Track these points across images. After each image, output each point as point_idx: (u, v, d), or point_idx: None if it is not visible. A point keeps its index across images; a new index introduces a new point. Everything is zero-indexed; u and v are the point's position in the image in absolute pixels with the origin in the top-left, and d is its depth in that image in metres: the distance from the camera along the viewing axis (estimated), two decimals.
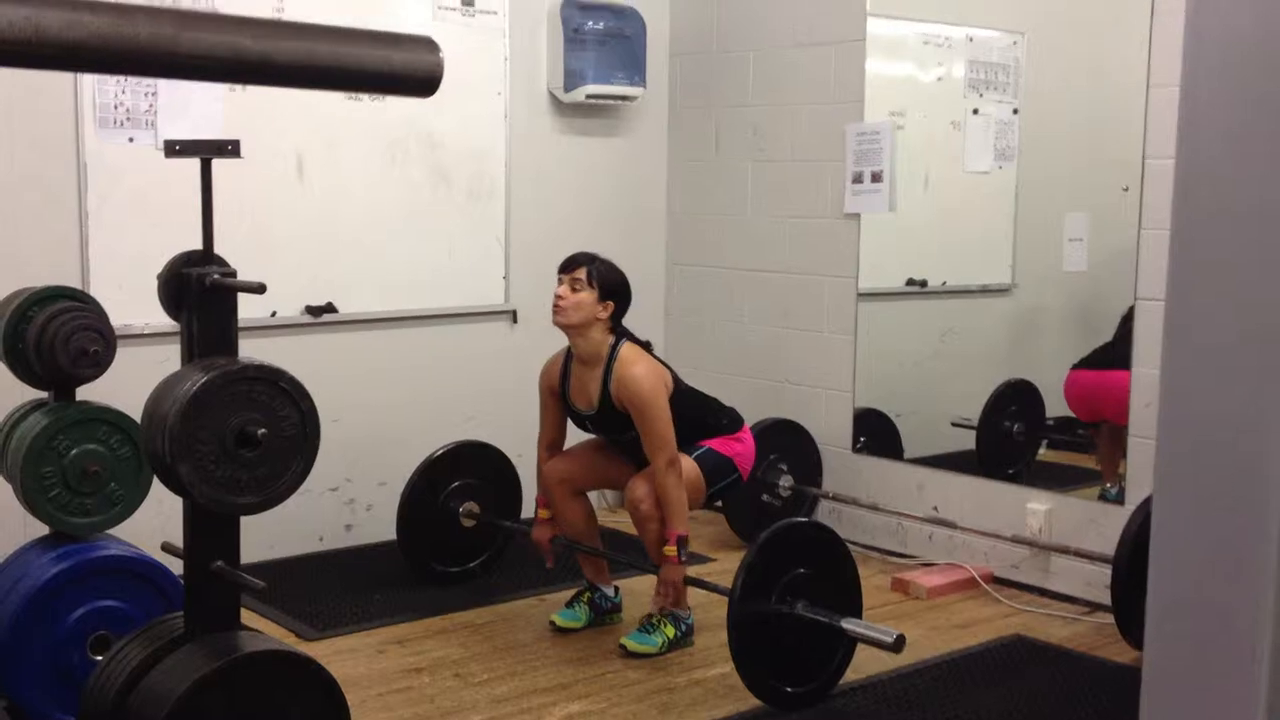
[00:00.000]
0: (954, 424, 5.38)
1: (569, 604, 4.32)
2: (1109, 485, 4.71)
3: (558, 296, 4.00)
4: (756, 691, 3.65)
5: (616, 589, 4.37)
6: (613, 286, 4.02)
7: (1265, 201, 0.73)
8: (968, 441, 5.52)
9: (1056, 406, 5.64)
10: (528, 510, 4.67)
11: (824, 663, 3.74)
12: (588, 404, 4.10)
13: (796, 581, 3.69)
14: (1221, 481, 0.73)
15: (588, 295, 3.97)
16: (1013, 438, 5.26)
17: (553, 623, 4.26)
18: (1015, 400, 5.31)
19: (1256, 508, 0.73)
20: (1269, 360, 0.74)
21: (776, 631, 3.66)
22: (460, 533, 4.70)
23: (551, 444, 4.27)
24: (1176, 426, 0.82)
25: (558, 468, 4.24)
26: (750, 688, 3.64)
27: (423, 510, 4.63)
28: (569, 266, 4.03)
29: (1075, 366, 5.02)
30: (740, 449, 4.21)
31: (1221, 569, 0.72)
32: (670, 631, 4.07)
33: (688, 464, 4.04)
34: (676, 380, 4.14)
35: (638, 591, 4.44)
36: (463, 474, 4.72)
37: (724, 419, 4.23)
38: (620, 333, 4.07)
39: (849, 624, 3.65)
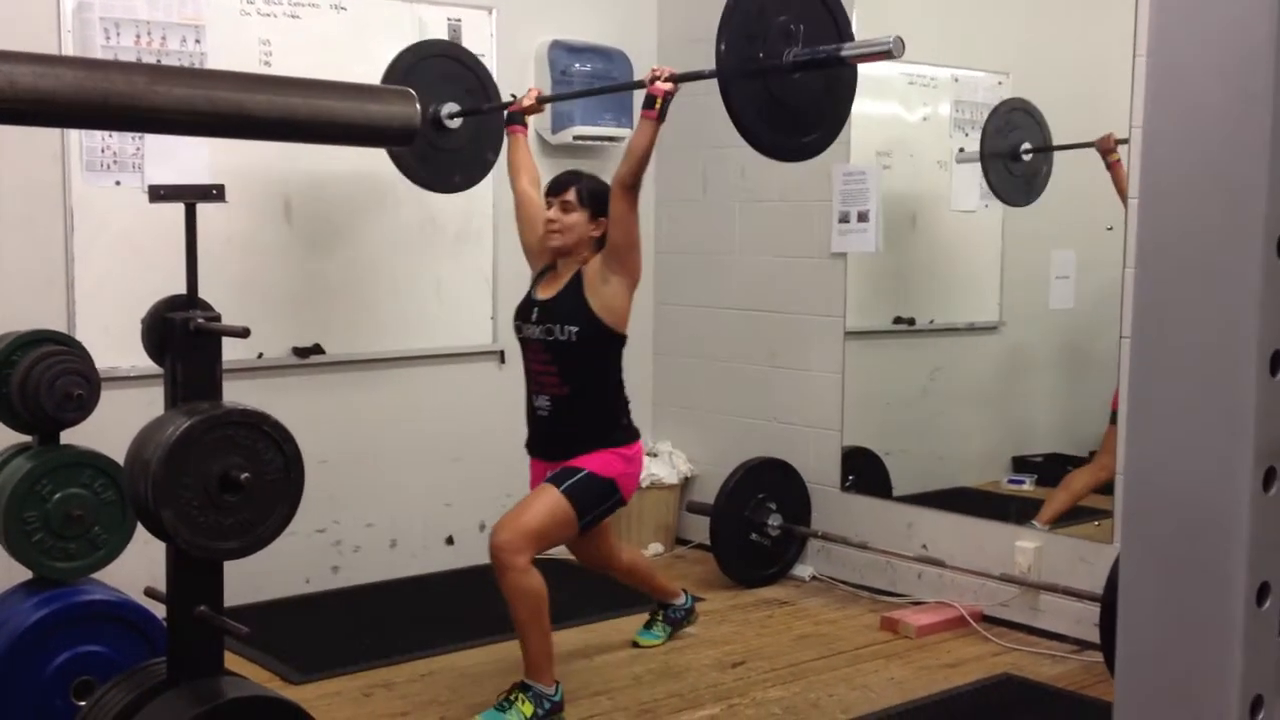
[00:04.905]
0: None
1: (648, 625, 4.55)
2: None
3: (549, 220, 3.95)
4: (765, 149, 3.70)
5: (686, 594, 4.61)
6: (604, 203, 3.93)
7: (1223, 262, 0.74)
8: (956, 479, 5.54)
9: (1044, 444, 5.65)
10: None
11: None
12: (551, 291, 3.96)
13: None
14: (1186, 540, 0.73)
15: (580, 215, 3.93)
16: (1020, 159, 5.19)
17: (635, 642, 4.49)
18: (1014, 119, 5.22)
19: (1222, 567, 0.73)
20: (1233, 414, 0.74)
21: (775, 90, 3.60)
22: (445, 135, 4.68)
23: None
24: (1141, 484, 0.82)
25: (588, 561, 4.32)
26: (758, 146, 3.67)
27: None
28: (557, 189, 3.98)
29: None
30: (625, 468, 3.94)
31: (1188, 629, 0.72)
32: (528, 710, 3.74)
33: (556, 501, 3.80)
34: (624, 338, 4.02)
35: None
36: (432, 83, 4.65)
37: (624, 421, 4.01)
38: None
39: (847, 50, 3.61)
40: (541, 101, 4.41)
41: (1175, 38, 0.75)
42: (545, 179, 4.22)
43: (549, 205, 3.98)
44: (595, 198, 3.94)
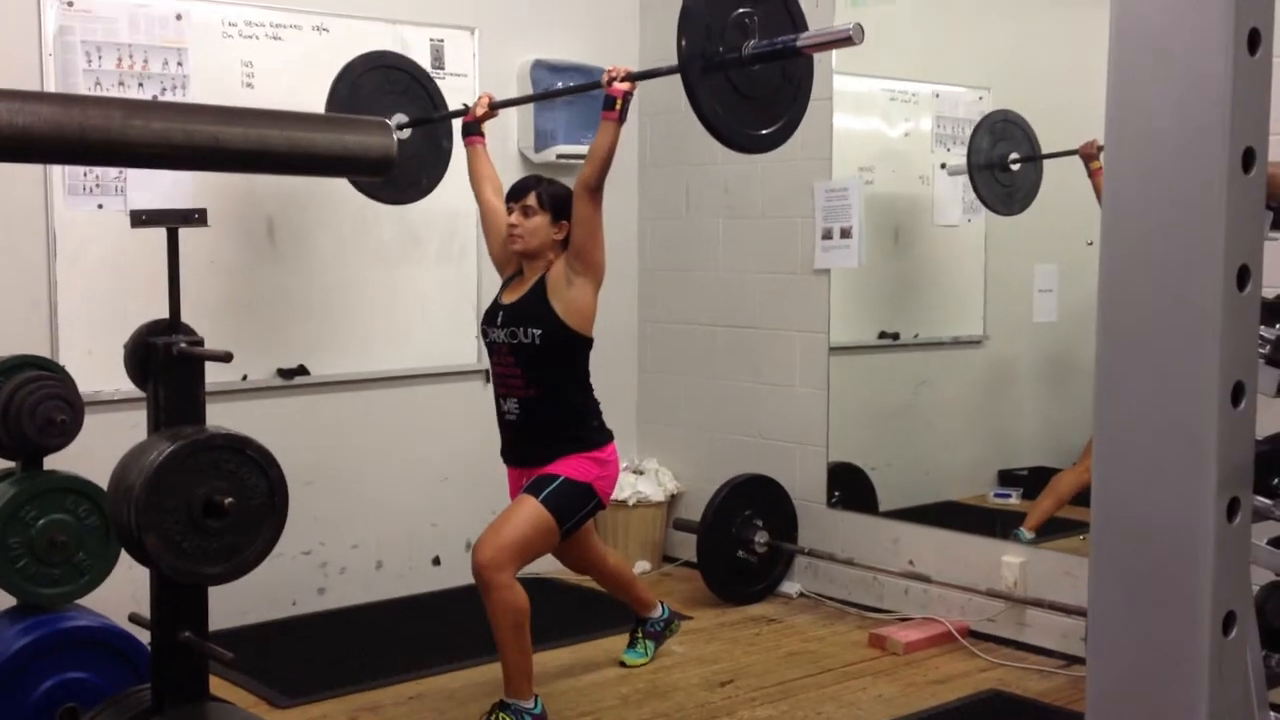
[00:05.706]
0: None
1: (631, 644, 4.53)
2: None
3: (511, 225, 3.99)
4: (729, 142, 3.69)
5: (662, 604, 4.58)
6: (565, 206, 3.97)
7: (1183, 294, 0.74)
8: (942, 493, 5.54)
9: (1029, 457, 5.67)
10: None
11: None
12: (516, 294, 4.01)
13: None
14: (1153, 569, 0.74)
15: (541, 219, 3.95)
16: (1008, 168, 5.19)
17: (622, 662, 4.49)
18: (999, 131, 5.24)
19: (1189, 596, 0.73)
20: (1197, 445, 0.75)
21: (735, 81, 3.63)
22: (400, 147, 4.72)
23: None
24: (1108, 514, 0.83)
25: (572, 564, 4.34)
26: (722, 139, 3.67)
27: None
28: (518, 194, 4.01)
29: None
30: (600, 471, 3.96)
31: (1156, 658, 0.73)
32: None
33: (535, 511, 3.81)
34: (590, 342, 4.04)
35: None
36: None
37: (595, 423, 4.02)
38: None
39: (804, 40, 3.59)
40: (494, 107, 4.41)
41: (1134, 71, 0.76)
42: None
43: (510, 211, 4.01)
44: (556, 201, 3.98)
